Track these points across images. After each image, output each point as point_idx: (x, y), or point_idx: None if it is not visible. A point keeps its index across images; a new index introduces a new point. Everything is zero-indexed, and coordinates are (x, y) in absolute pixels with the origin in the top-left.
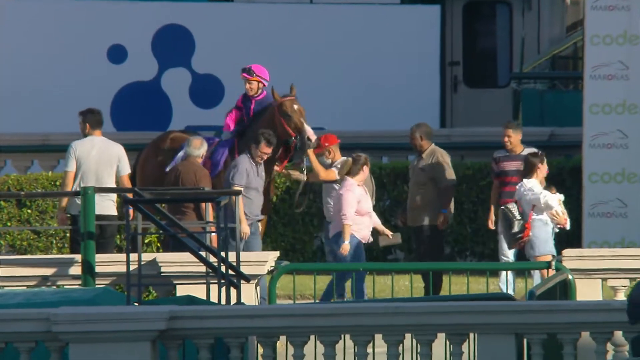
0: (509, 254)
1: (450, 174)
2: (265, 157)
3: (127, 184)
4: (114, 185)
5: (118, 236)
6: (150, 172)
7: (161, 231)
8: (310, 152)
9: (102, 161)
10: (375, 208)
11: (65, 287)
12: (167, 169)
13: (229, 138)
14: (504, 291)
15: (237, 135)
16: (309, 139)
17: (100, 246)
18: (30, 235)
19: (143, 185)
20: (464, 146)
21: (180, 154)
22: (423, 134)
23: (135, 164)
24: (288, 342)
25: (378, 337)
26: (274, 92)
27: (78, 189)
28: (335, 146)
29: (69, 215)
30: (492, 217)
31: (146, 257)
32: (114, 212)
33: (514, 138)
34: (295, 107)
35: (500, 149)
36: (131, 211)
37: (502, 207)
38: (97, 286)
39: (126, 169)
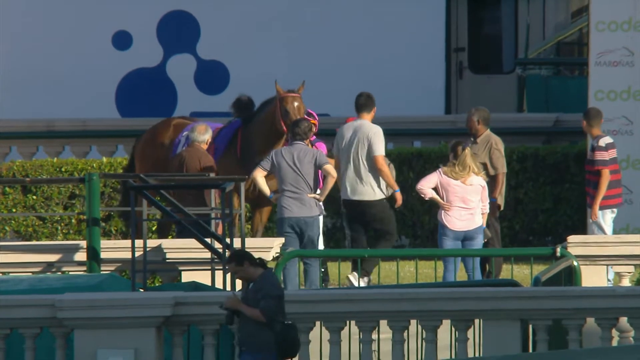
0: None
1: (503, 163)
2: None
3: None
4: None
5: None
6: (151, 158)
7: (164, 217)
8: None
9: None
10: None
11: (71, 273)
12: (173, 155)
13: (234, 124)
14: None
15: (242, 122)
16: None
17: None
18: (36, 222)
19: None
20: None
21: (182, 139)
22: (481, 119)
23: (134, 150)
24: None
25: (383, 323)
26: (277, 85)
27: None
28: None
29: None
30: None
31: (151, 243)
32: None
33: None
34: (295, 104)
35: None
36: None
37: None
38: (102, 272)
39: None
